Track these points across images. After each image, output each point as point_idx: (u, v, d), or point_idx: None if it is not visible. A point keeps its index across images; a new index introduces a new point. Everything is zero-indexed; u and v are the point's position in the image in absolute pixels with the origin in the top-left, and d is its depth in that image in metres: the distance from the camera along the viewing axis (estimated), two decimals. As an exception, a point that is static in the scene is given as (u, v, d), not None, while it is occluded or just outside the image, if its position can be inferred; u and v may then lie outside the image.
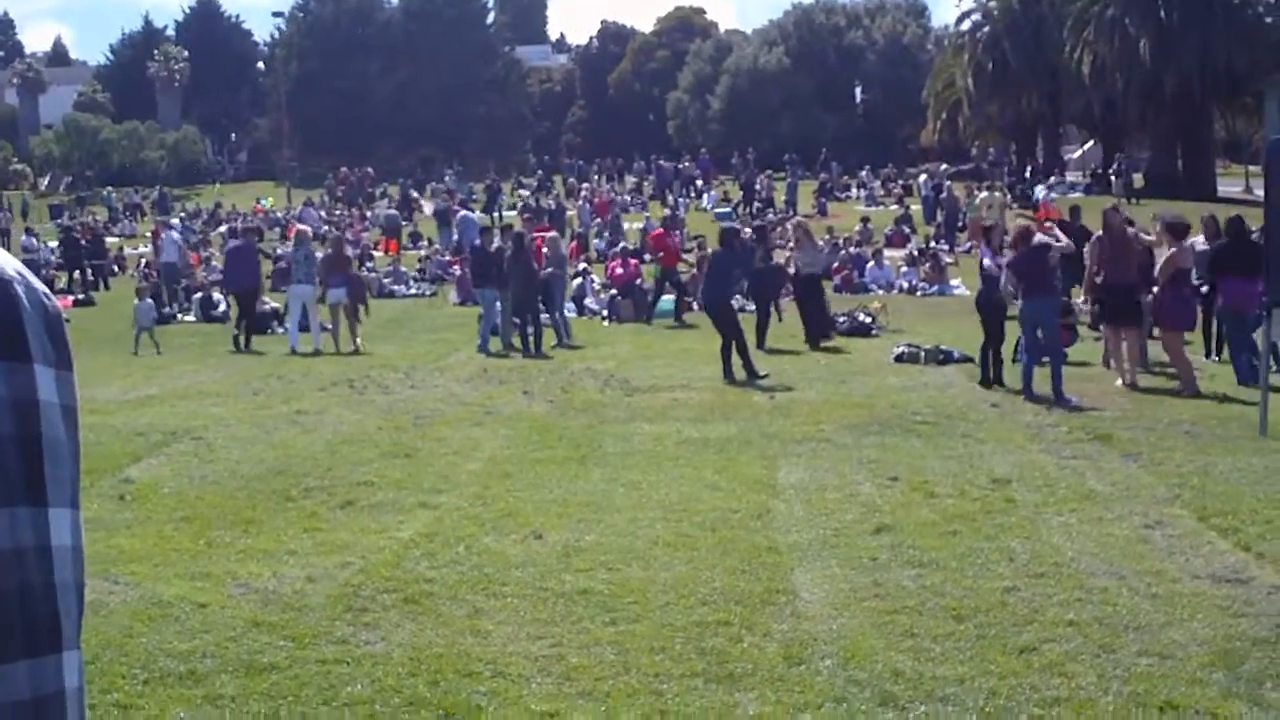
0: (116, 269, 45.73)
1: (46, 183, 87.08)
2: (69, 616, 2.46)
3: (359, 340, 24.70)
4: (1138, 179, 59.13)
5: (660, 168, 69.14)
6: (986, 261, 18.44)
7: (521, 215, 45.70)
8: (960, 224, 44.38)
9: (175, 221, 51.74)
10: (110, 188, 77.04)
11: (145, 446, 14.30)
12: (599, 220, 49.24)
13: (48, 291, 2.52)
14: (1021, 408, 15.98)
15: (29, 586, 2.36)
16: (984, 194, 44.55)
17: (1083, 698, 6.67)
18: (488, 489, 11.99)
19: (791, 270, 24.31)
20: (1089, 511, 10.68)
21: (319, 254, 26.61)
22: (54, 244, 45.93)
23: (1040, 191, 51.02)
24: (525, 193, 64.36)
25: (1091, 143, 74.06)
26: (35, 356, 2.47)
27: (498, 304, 24.71)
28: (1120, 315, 17.79)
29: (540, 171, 77.57)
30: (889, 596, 8.46)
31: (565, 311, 26.29)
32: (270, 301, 29.48)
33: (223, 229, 56.51)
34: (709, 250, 26.73)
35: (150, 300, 27.44)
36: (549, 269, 25.88)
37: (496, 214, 53.70)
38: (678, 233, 38.88)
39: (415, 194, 65.03)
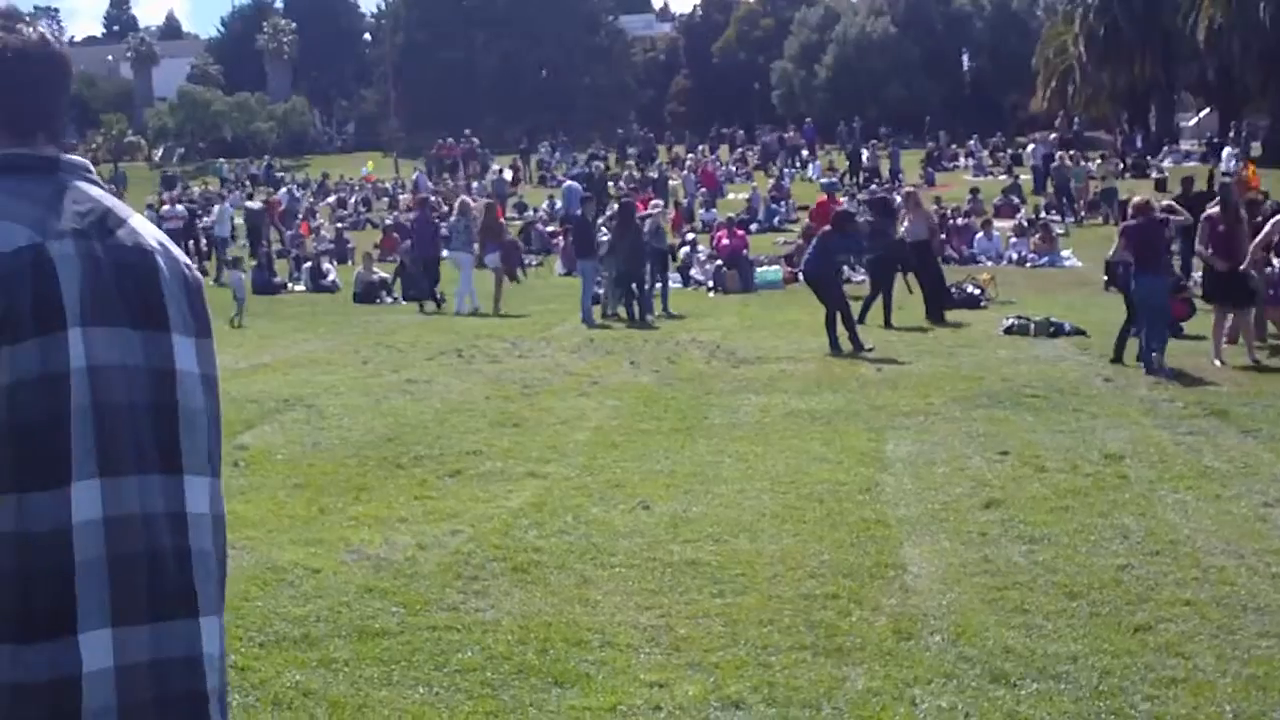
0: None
1: (160, 154, 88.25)
2: (206, 583, 2.50)
3: (498, 304, 25.99)
4: (1255, 147, 57.84)
5: (765, 137, 68.86)
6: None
7: (627, 185, 45.80)
8: (1072, 194, 43.76)
9: (231, 194, 52.29)
10: (222, 160, 77.92)
11: (259, 414, 14.47)
12: (704, 190, 49.16)
13: (188, 262, 2.57)
14: (1135, 382, 15.77)
15: (158, 552, 2.40)
16: (1097, 163, 44.02)
17: (1200, 679, 6.58)
18: (595, 459, 12.02)
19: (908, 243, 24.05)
20: (1205, 489, 10.53)
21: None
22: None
23: (1229, 161, 48.47)
24: (630, 163, 64.34)
25: (1207, 110, 72.81)
26: (174, 326, 2.52)
27: (599, 274, 24.84)
28: (1227, 294, 17.47)
29: (644, 141, 77.50)
30: (999, 572, 8.39)
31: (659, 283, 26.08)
32: (379, 272, 29.70)
33: (332, 199, 57.05)
34: (816, 222, 26.63)
35: (238, 272, 27.56)
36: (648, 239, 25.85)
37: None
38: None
39: (520, 164, 65.23)
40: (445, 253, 28.79)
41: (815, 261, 20.06)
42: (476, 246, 27.21)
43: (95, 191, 2.50)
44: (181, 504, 2.46)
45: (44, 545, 2.28)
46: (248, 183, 68.72)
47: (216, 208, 39.95)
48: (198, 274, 2.62)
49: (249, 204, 45.46)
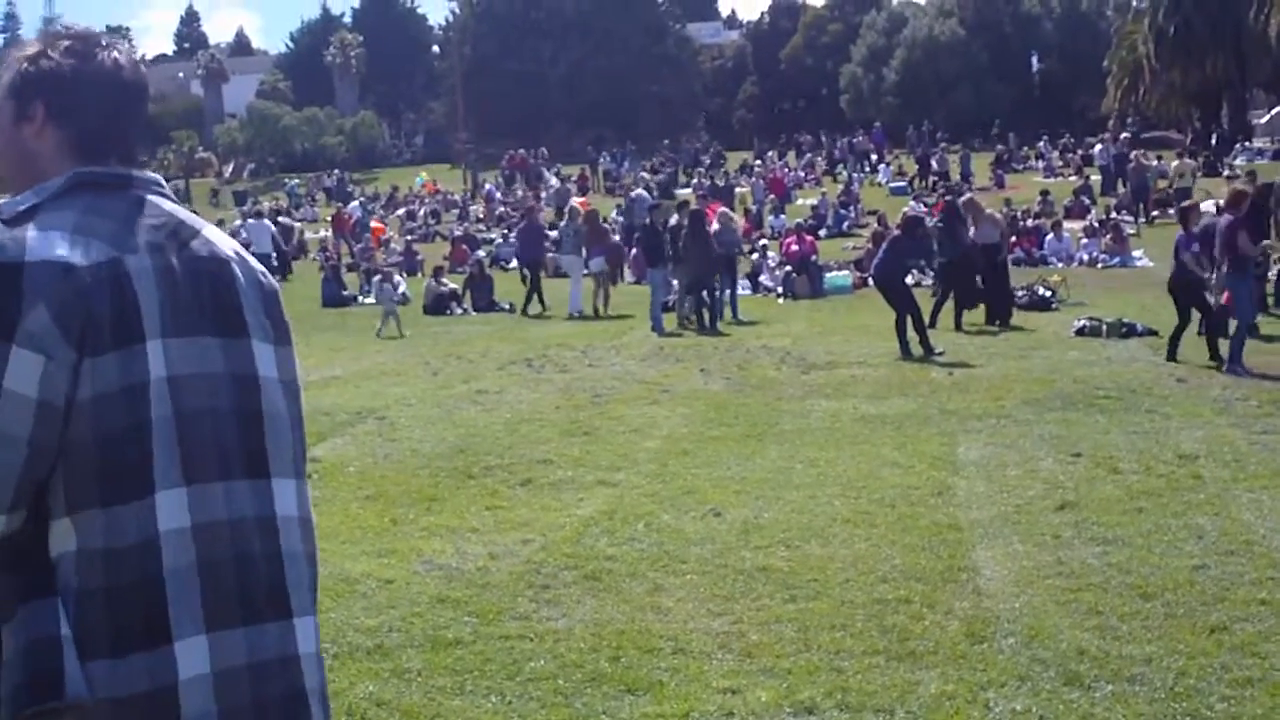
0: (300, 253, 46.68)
1: (231, 170, 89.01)
2: (299, 584, 2.54)
3: (606, 304, 27.47)
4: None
5: (829, 142, 68.71)
6: (1244, 243, 17.27)
7: (696, 193, 45.80)
8: (1150, 194, 43.32)
9: (264, 208, 52.62)
10: (292, 175, 78.53)
11: (331, 426, 14.57)
12: (773, 197, 49.09)
13: (264, 270, 2.61)
14: (1209, 382, 15.64)
15: (248, 556, 2.44)
16: (1175, 163, 43.62)
17: (1276, 679, 6.52)
18: (666, 466, 12.04)
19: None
20: (1280, 487, 10.44)
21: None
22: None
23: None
24: (701, 170, 64.37)
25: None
26: (253, 332, 2.56)
27: (671, 283, 24.95)
28: None
29: (713, 149, 77.47)
30: (1073, 574, 8.34)
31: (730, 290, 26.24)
32: (449, 283, 29.85)
33: (401, 211, 57.35)
34: (888, 227, 26.53)
35: (388, 285, 27.87)
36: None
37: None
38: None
39: (588, 173, 65.37)
40: (551, 256, 30.13)
41: (885, 266, 20.00)
42: (583, 251, 28.13)
43: (168, 205, 2.55)
44: (271, 507, 2.49)
45: (132, 559, 2.31)
46: (320, 196, 69.23)
47: (253, 223, 40.11)
48: (274, 282, 2.66)
49: (282, 220, 45.47)
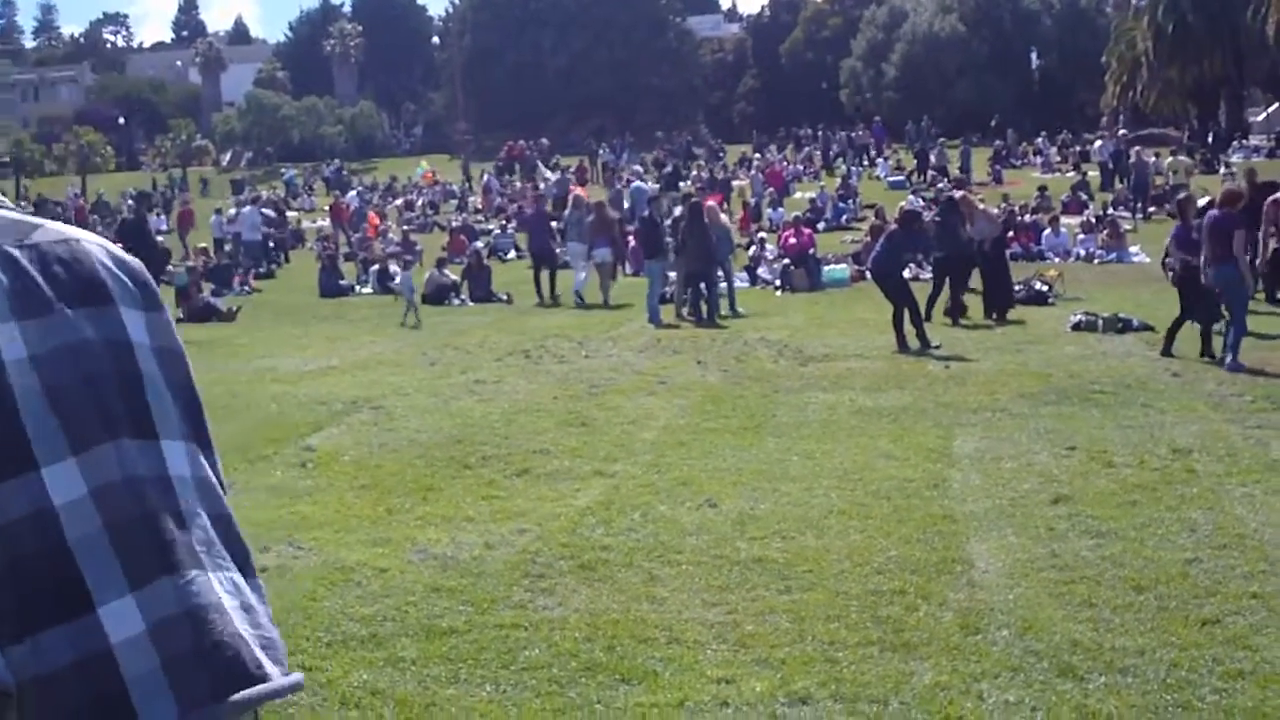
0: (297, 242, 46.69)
1: (228, 159, 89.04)
2: (208, 544, 2.49)
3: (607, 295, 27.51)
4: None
5: (827, 136, 68.74)
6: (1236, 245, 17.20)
7: (694, 185, 45.80)
8: (1152, 190, 43.36)
9: (260, 195, 52.51)
10: (289, 164, 78.52)
11: (326, 415, 14.59)
12: (771, 190, 49.10)
13: (122, 250, 2.56)
14: (1204, 377, 15.65)
15: (151, 513, 2.40)
16: (1169, 160, 43.71)
17: (1267, 672, 6.55)
18: (662, 457, 12.06)
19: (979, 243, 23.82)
20: (1273, 482, 10.45)
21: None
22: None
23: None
24: (700, 163, 64.35)
25: (1276, 105, 72.13)
26: (120, 299, 2.51)
27: (668, 274, 24.98)
28: None
29: (705, 141, 77.49)
30: (1067, 567, 8.37)
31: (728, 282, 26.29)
32: (450, 274, 29.85)
33: (399, 201, 57.35)
34: (885, 221, 26.53)
35: (409, 274, 27.86)
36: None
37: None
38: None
39: (587, 164, 65.37)
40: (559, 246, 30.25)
41: (882, 259, 20.01)
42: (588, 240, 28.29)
43: (3, 210, 2.52)
44: (164, 468, 2.45)
45: (27, 530, 2.28)
46: (319, 185, 69.20)
47: (244, 211, 40.07)
48: (133, 258, 2.63)
49: (265, 211, 45.06)
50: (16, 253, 2.37)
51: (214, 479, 2.51)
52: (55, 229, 2.53)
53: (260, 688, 2.13)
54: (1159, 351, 17.17)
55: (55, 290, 2.40)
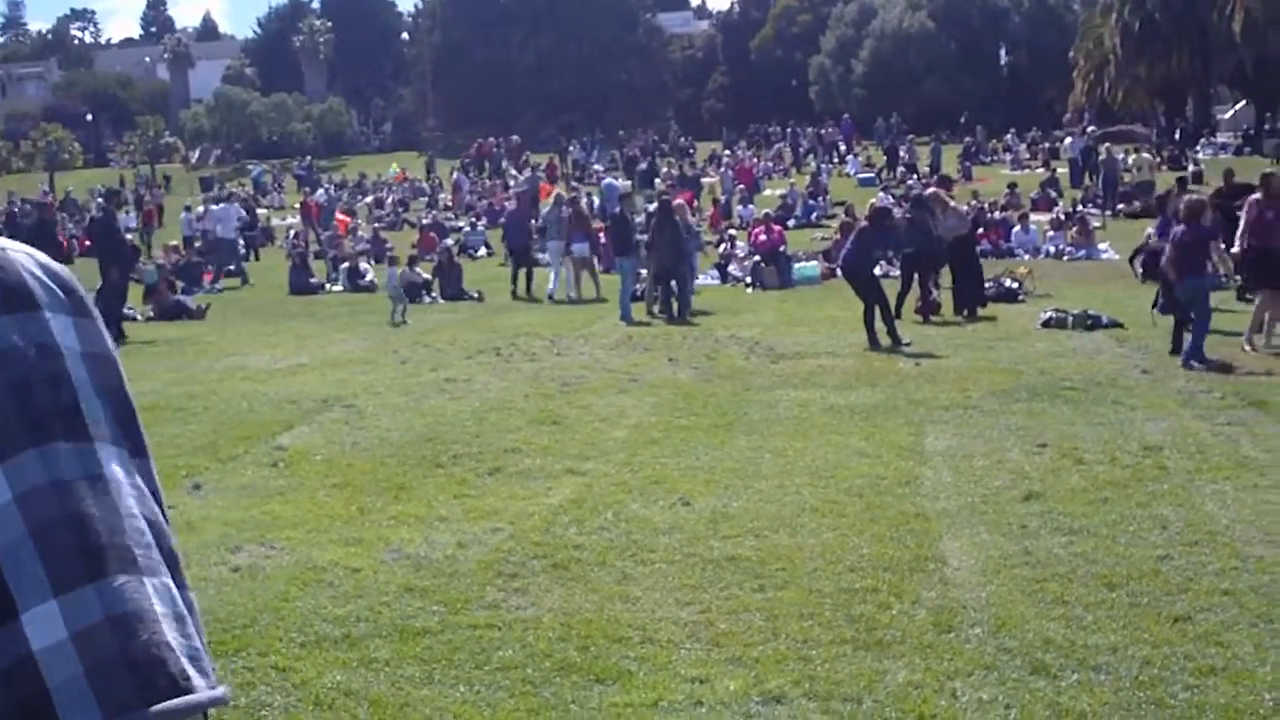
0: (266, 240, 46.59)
1: (197, 156, 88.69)
2: (145, 546, 2.45)
3: (597, 288, 27.85)
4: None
5: (798, 133, 68.79)
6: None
7: (665, 183, 45.80)
8: (1120, 187, 43.49)
9: (234, 193, 52.45)
10: (257, 161, 78.27)
11: (297, 414, 14.55)
12: (741, 187, 49.14)
13: (48, 259, 2.54)
14: (1173, 373, 15.71)
15: (82, 514, 2.35)
16: (1133, 157, 43.89)
17: (1239, 668, 6.58)
18: (635, 456, 12.05)
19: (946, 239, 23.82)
20: (1243, 479, 10.50)
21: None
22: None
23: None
24: (672, 159, 64.37)
25: (1244, 102, 72.48)
26: (45, 305, 2.48)
27: (639, 271, 25.01)
28: (1271, 278, 17.40)
29: (683, 139, 77.48)
30: (1039, 564, 8.39)
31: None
32: (423, 273, 29.79)
33: (369, 199, 57.23)
34: (855, 218, 26.55)
35: (399, 270, 27.87)
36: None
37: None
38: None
39: (557, 162, 65.33)
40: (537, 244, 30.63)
41: (853, 257, 20.04)
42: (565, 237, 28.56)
43: None
44: (98, 468, 2.41)
45: None
46: (289, 183, 68.94)
47: (219, 208, 39.92)
48: (60, 266, 2.61)
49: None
50: None
51: (147, 485, 2.47)
52: None
53: (186, 699, 2.09)
54: (1168, 350, 16.98)
55: None
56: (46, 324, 2.45)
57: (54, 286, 2.52)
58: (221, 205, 40.67)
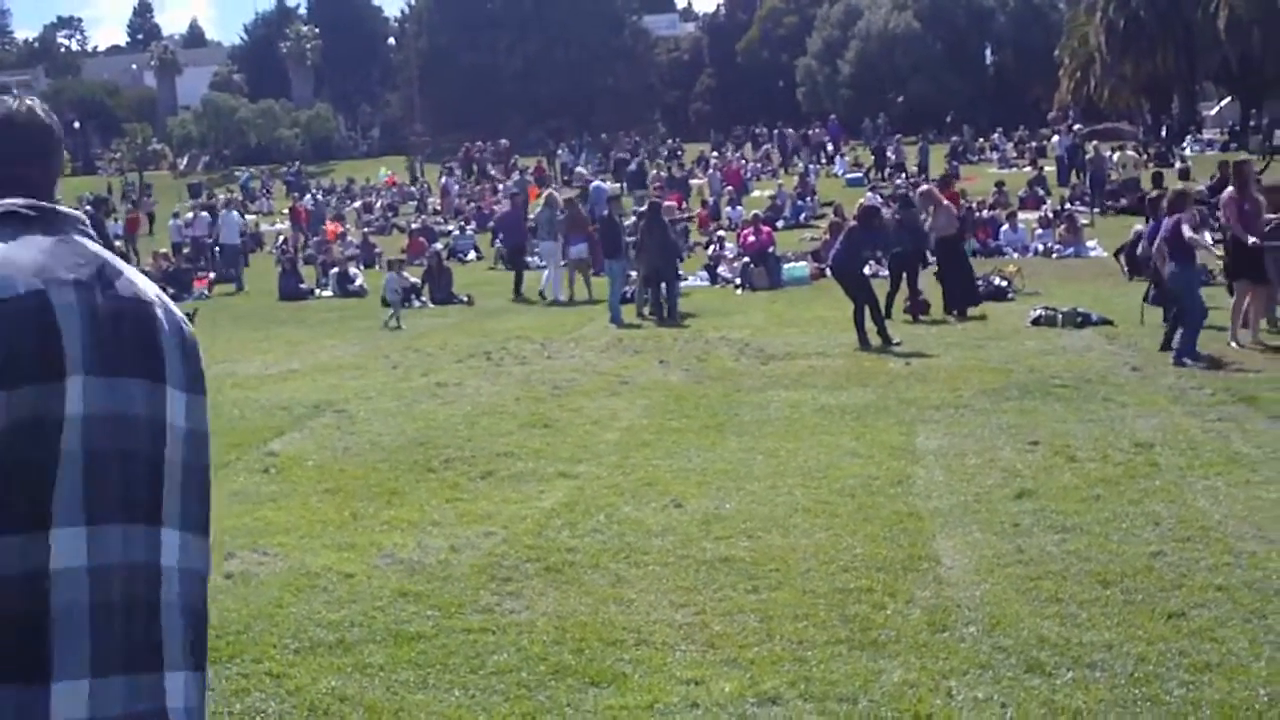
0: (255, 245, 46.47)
1: (185, 163, 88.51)
2: (172, 637, 2.48)
3: (589, 290, 28.10)
4: (1278, 135, 57.62)
5: (783, 134, 68.79)
6: (1188, 233, 17.21)
7: (653, 185, 45.79)
8: (1108, 184, 43.52)
9: (233, 199, 52.49)
10: (246, 167, 78.18)
11: (289, 420, 14.53)
12: (730, 188, 49.13)
13: (184, 317, 2.62)
14: (1163, 370, 15.73)
15: (135, 603, 2.39)
16: (1117, 155, 43.93)
17: (1234, 664, 6.58)
18: (627, 458, 12.05)
19: (932, 238, 23.81)
20: (1235, 474, 10.51)
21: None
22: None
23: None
24: (661, 161, 64.34)
25: (1229, 99, 72.60)
26: (170, 378, 2.55)
27: (628, 274, 25.03)
28: (1250, 270, 17.43)
29: (669, 141, 77.45)
30: (1032, 562, 8.40)
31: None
32: (410, 277, 29.76)
33: (358, 204, 57.18)
34: (844, 218, 26.57)
35: (396, 274, 27.85)
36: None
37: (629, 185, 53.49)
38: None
39: (545, 165, 65.28)
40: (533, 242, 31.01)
41: (843, 256, 20.05)
42: (561, 239, 28.57)
43: (92, 246, 2.53)
44: (157, 555, 2.45)
45: (14, 589, 2.27)
46: (278, 189, 68.87)
47: (223, 214, 39.94)
48: (193, 331, 2.66)
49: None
50: (100, 301, 2.41)
51: (197, 562, 2.56)
52: (136, 281, 2.58)
53: None
54: (1158, 348, 16.98)
55: (122, 353, 2.44)
56: (164, 398, 2.55)
57: (180, 357, 2.62)
58: (224, 212, 40.62)
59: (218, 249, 38.91)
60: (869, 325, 18.95)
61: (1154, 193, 20.55)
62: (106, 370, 2.38)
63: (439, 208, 54.05)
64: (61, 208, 2.58)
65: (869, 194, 38.63)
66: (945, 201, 24.11)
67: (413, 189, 62.14)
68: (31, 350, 2.28)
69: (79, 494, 2.32)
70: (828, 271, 22.94)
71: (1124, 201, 39.76)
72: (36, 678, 2.27)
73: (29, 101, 2.64)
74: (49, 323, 2.32)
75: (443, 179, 60.85)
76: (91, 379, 2.35)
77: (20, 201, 2.50)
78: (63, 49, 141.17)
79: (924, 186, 25.49)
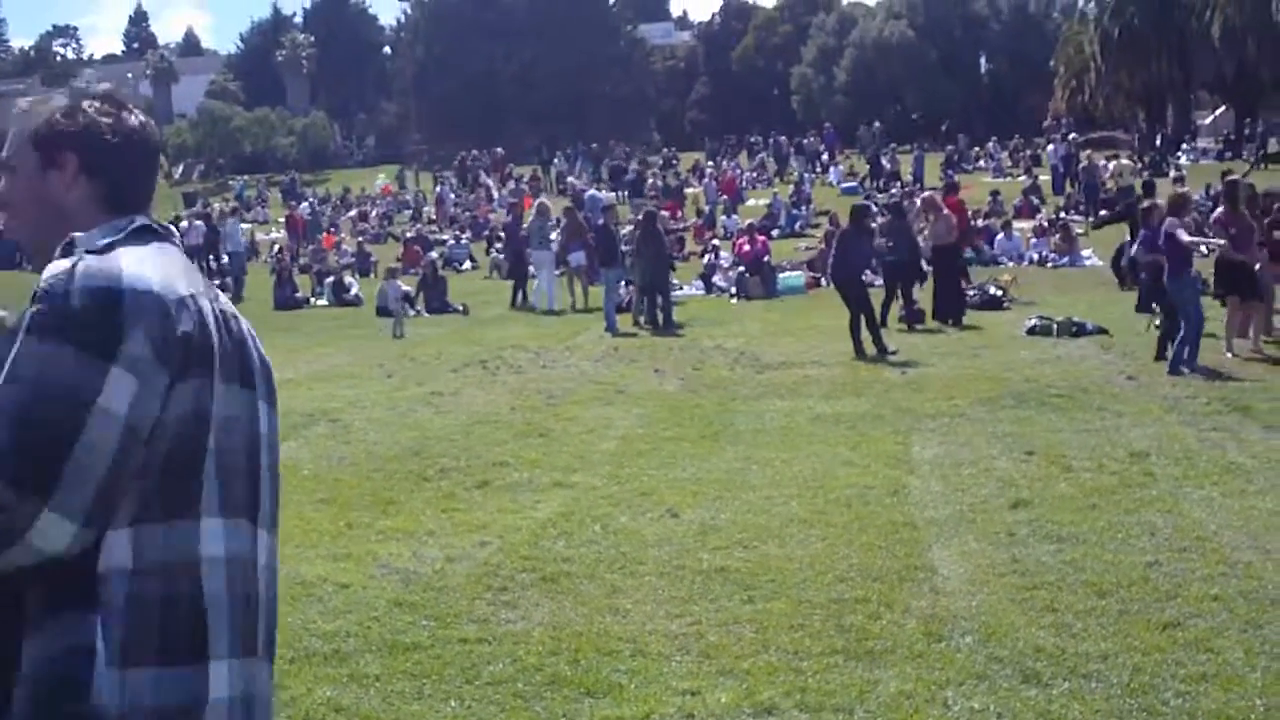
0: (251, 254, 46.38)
1: (180, 171, 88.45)
2: (272, 631, 2.73)
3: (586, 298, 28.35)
4: (1273, 144, 57.64)
5: (778, 143, 68.77)
6: (1185, 237, 17.17)
7: (649, 195, 45.81)
8: (1101, 194, 43.51)
9: (238, 208, 52.40)
10: (241, 176, 78.14)
11: (284, 429, 14.37)
12: (725, 197, 49.14)
13: (253, 332, 2.76)
14: (1159, 380, 15.74)
15: (252, 596, 2.64)
16: (1112, 164, 43.96)
17: (1229, 674, 6.58)
18: (622, 468, 12.04)
19: (929, 246, 23.79)
20: (1230, 485, 10.52)
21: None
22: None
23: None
24: (656, 170, 64.26)
25: (1224, 108, 72.65)
26: (259, 390, 2.71)
27: (621, 283, 25.07)
28: (1240, 287, 17.47)
29: (664, 149, 77.40)
30: (1028, 572, 8.40)
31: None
32: (405, 286, 29.74)
33: (352, 213, 57.13)
34: (840, 226, 26.58)
35: (396, 281, 27.96)
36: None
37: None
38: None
39: (540, 174, 65.22)
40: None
41: (842, 263, 20.04)
42: (556, 247, 28.91)
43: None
44: (257, 553, 2.70)
45: (184, 574, 2.47)
46: (274, 197, 68.76)
47: (229, 223, 39.90)
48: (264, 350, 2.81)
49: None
50: (220, 311, 2.57)
51: (267, 558, 2.74)
52: (226, 297, 2.72)
53: None
54: (1152, 359, 16.96)
55: (232, 360, 2.64)
56: (258, 409, 2.70)
57: (263, 371, 2.78)
58: (230, 221, 40.60)
59: (224, 258, 38.81)
60: (864, 334, 18.95)
61: (1145, 202, 20.45)
62: (226, 376, 2.58)
63: (434, 217, 54.01)
64: (170, 226, 2.78)
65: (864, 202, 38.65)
66: (946, 210, 24.13)
67: (408, 197, 62.05)
68: (195, 346, 2.48)
69: (217, 488, 2.53)
70: (824, 282, 22.92)
71: (1119, 210, 39.74)
72: (201, 657, 2.49)
73: (139, 116, 2.79)
74: (204, 323, 2.53)
75: (438, 188, 60.81)
76: (220, 385, 2.55)
77: (149, 220, 2.71)
78: (58, 57, 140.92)
79: (926, 194, 25.49)
